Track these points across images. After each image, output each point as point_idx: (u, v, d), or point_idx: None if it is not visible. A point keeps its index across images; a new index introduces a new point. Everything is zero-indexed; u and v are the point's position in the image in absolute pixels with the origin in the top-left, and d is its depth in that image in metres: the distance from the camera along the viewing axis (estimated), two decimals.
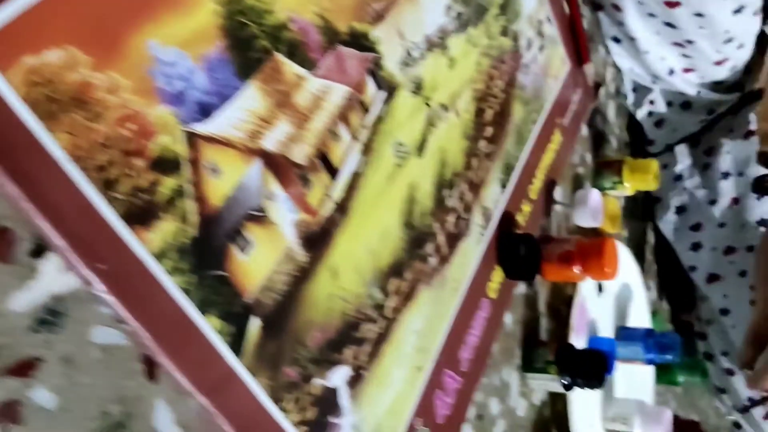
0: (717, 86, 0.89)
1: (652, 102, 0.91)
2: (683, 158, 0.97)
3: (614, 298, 0.82)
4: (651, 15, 0.78)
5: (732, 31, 0.78)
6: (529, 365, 0.63)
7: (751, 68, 0.89)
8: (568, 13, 0.74)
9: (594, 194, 0.74)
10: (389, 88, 0.47)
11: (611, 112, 0.87)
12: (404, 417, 0.46)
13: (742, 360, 0.73)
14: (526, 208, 0.64)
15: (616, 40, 0.84)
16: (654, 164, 0.78)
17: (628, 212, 0.91)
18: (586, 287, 0.73)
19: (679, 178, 0.97)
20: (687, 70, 0.85)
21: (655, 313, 0.92)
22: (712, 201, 0.95)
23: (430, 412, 0.48)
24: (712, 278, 0.95)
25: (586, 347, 0.64)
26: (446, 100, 0.53)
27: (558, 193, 0.72)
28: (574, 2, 0.74)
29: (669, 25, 0.78)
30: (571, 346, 0.63)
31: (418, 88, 0.50)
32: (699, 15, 0.75)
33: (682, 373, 0.92)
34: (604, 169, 0.79)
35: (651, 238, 0.98)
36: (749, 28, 0.81)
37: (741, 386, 0.98)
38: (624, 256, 0.82)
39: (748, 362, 0.72)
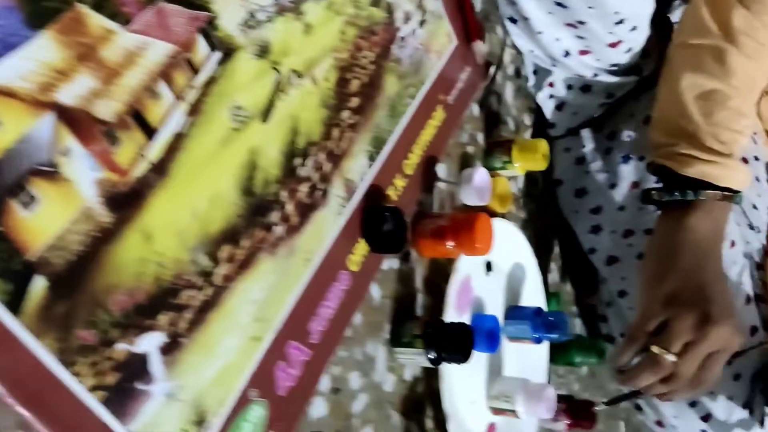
0: (615, 69, 0.89)
1: (551, 84, 0.91)
2: (587, 142, 0.97)
3: (506, 277, 0.82)
4: None
5: (623, 12, 0.78)
6: (397, 340, 0.62)
7: (648, 52, 0.90)
8: None
9: (480, 173, 0.73)
10: (226, 49, 0.46)
11: (509, 93, 0.87)
12: (235, 387, 0.44)
13: (616, 359, 0.75)
14: (400, 182, 0.63)
15: (513, 20, 0.83)
16: (542, 144, 0.78)
17: (526, 194, 0.91)
18: (470, 265, 0.73)
19: (581, 161, 0.97)
20: (583, 52, 0.85)
21: (554, 295, 0.93)
22: (612, 185, 0.95)
23: (269, 383, 0.47)
24: (611, 260, 0.96)
25: (453, 322, 0.63)
26: (300, 67, 0.52)
27: (442, 171, 0.71)
28: None
29: (560, 5, 0.78)
30: (439, 321, 0.63)
31: (263, 51, 0.49)
32: None
33: (579, 354, 0.93)
34: (495, 149, 0.79)
35: (552, 220, 0.98)
36: (641, 10, 0.81)
37: None
38: (515, 236, 0.82)
39: (621, 363, 0.75)
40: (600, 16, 0.79)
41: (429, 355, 0.61)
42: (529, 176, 0.90)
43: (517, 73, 0.89)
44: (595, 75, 0.89)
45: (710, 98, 0.75)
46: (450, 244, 0.64)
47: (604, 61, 0.87)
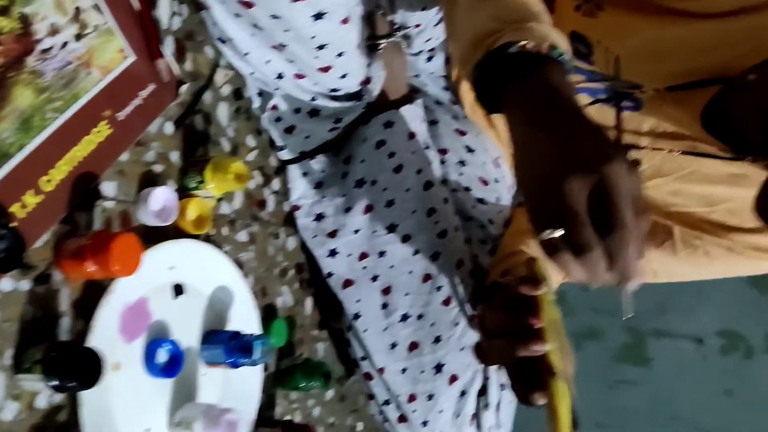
0: (336, 94, 0.90)
1: (275, 107, 0.91)
2: (325, 166, 0.97)
3: (206, 300, 0.80)
4: (237, 15, 0.78)
5: (320, 37, 0.79)
6: (19, 366, 0.59)
7: (370, 80, 0.91)
8: (137, 7, 0.72)
9: (161, 192, 0.71)
10: None
11: (223, 113, 0.86)
12: None
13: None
14: (32, 199, 0.60)
15: (222, 40, 0.83)
16: (235, 165, 0.77)
17: (250, 215, 0.90)
18: (149, 287, 0.71)
19: (319, 185, 0.97)
20: (299, 76, 0.86)
21: (278, 319, 0.91)
22: (348, 209, 0.96)
23: None
24: (347, 284, 0.96)
25: (81, 346, 0.61)
26: None
27: (110, 189, 0.69)
28: (145, 9, 0.72)
29: (256, 26, 0.78)
30: (63, 345, 0.60)
31: None
32: (275, 17, 0.75)
33: (303, 378, 0.92)
34: (190, 169, 0.78)
35: (291, 243, 0.98)
36: (343, 36, 0.82)
37: (380, 390, 0.99)
38: (216, 258, 0.80)
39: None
40: (298, 40, 0.79)
41: (50, 382, 0.58)
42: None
43: (237, 94, 0.89)
44: (314, 99, 0.89)
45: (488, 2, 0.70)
46: (91, 265, 0.62)
47: (322, 85, 0.88)
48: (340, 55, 0.83)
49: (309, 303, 1.02)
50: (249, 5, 0.75)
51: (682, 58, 0.76)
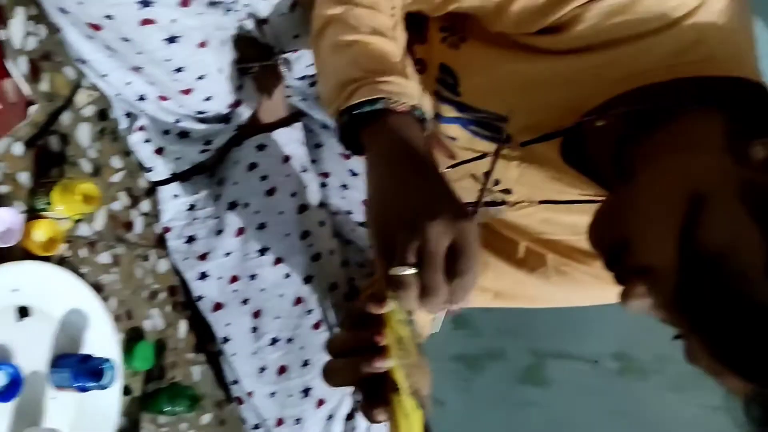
0: (203, 117, 0.90)
1: (142, 128, 0.91)
2: (199, 188, 0.97)
3: (56, 323, 0.79)
4: (89, 37, 0.78)
5: (176, 60, 0.79)
6: None
7: (240, 102, 0.92)
8: None
9: (1, 213, 0.71)
10: None
11: (84, 134, 0.85)
12: None
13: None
14: None
15: (82, 61, 0.82)
16: (85, 186, 0.77)
17: (113, 237, 0.89)
18: None
19: (192, 207, 0.97)
20: (162, 98, 0.86)
21: (143, 342, 0.91)
22: (219, 231, 0.96)
23: None
24: (217, 307, 0.96)
25: None
26: None
27: None
28: None
29: (110, 48, 0.78)
30: None
31: None
32: (126, 40, 0.76)
33: (168, 402, 0.91)
34: (39, 190, 0.77)
35: (162, 266, 0.97)
36: (202, 59, 0.82)
37: (250, 414, 0.99)
38: (68, 280, 0.80)
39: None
40: (153, 63, 0.79)
41: None
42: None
43: (103, 115, 0.88)
44: (178, 121, 0.89)
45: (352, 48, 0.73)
46: None
47: (187, 107, 0.88)
48: (200, 77, 0.84)
49: (183, 326, 1.01)
50: (97, 28, 0.75)
51: (535, 92, 0.79)
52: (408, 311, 0.69)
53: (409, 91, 0.70)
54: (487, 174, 0.78)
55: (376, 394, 0.65)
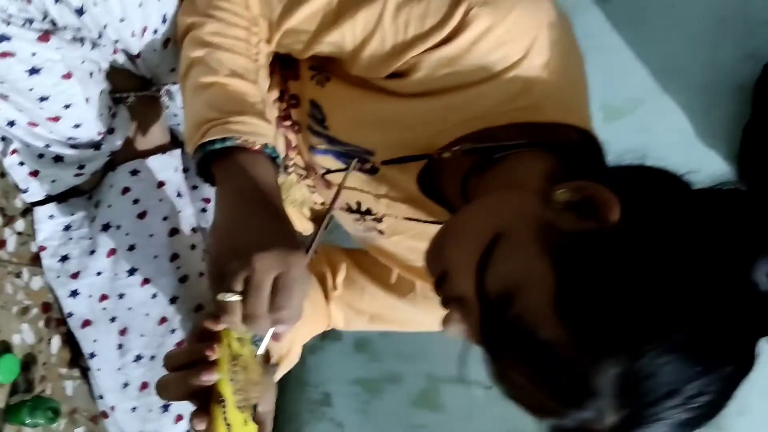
0: (74, 143, 0.95)
1: (15, 151, 0.95)
2: (76, 210, 1.02)
3: None
4: None
5: (39, 90, 0.84)
6: None
7: (114, 129, 0.98)
8: None
9: None
10: None
11: None
12: None
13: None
14: None
15: None
16: None
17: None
18: None
19: (68, 228, 1.02)
20: (32, 124, 0.91)
21: (8, 355, 0.95)
22: (92, 251, 1.00)
23: None
24: (86, 323, 1.01)
25: None
26: None
27: None
28: None
29: None
30: None
31: None
32: None
33: (29, 414, 0.95)
34: None
35: (36, 283, 1.01)
36: (67, 89, 0.86)
37: (114, 428, 1.03)
38: None
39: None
40: (16, 91, 0.84)
41: None
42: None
43: None
44: (48, 146, 0.94)
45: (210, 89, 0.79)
46: None
47: (57, 133, 0.93)
48: (67, 106, 0.89)
49: (57, 341, 1.05)
50: None
51: (392, 130, 0.86)
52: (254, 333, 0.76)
53: (261, 130, 0.76)
54: (332, 201, 0.84)
55: (205, 406, 0.70)
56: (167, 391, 0.72)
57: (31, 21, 0.78)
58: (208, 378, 0.68)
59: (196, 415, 0.69)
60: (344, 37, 0.81)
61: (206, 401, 0.70)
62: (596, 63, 1.09)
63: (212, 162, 0.75)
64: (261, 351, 0.76)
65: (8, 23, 0.76)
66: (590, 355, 0.62)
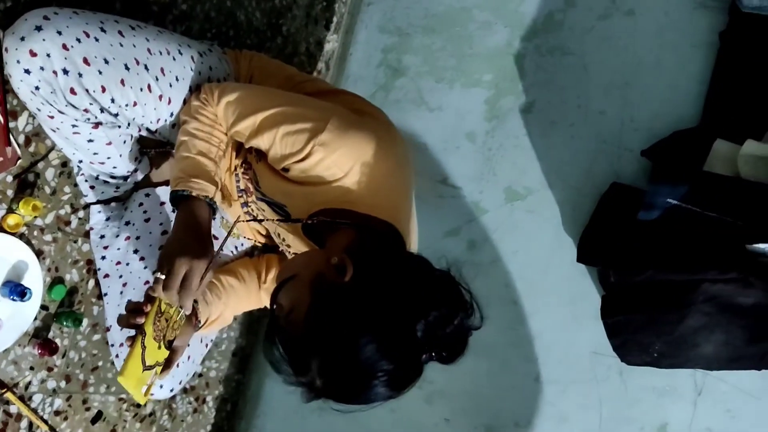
0: (113, 174, 1.69)
1: (82, 174, 1.71)
2: (113, 210, 1.77)
3: (10, 265, 1.60)
4: (53, 130, 1.57)
5: (93, 148, 1.57)
6: None
7: (137, 169, 1.70)
8: (2, 122, 1.52)
9: None
10: None
11: (50, 174, 1.65)
12: None
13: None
14: None
15: (53, 143, 1.62)
16: (35, 201, 1.56)
17: (56, 228, 1.69)
18: None
19: (107, 219, 1.77)
20: (91, 163, 1.65)
21: (59, 285, 1.71)
22: (117, 235, 1.75)
23: None
24: (105, 276, 1.75)
25: None
26: None
27: None
28: (5, 126, 1.52)
29: (67, 139, 1.58)
30: None
31: None
32: (67, 139, 1.55)
33: (64, 318, 1.71)
34: (15, 199, 1.57)
35: (85, 247, 1.77)
36: (109, 150, 1.58)
37: (110, 339, 1.77)
38: (21, 247, 1.60)
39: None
40: (82, 150, 1.58)
41: None
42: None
43: (65, 164, 1.69)
44: (98, 176, 1.68)
45: (186, 160, 1.51)
46: None
47: (104, 170, 1.66)
48: (108, 158, 1.62)
49: (92, 282, 1.81)
50: (54, 130, 1.54)
51: (290, 198, 1.53)
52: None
53: (207, 189, 1.47)
54: (230, 230, 1.55)
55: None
56: (121, 321, 1.43)
57: (88, 119, 1.51)
58: (136, 320, 1.39)
59: (128, 338, 1.40)
60: (259, 144, 1.49)
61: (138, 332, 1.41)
62: (507, 157, 1.77)
63: (178, 200, 1.46)
64: (186, 311, 1.45)
65: (77, 120, 1.50)
66: (308, 349, 1.27)
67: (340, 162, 1.41)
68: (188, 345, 1.59)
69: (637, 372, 1.98)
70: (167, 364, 1.45)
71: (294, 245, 1.63)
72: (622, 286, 1.88)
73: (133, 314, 1.39)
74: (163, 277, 1.35)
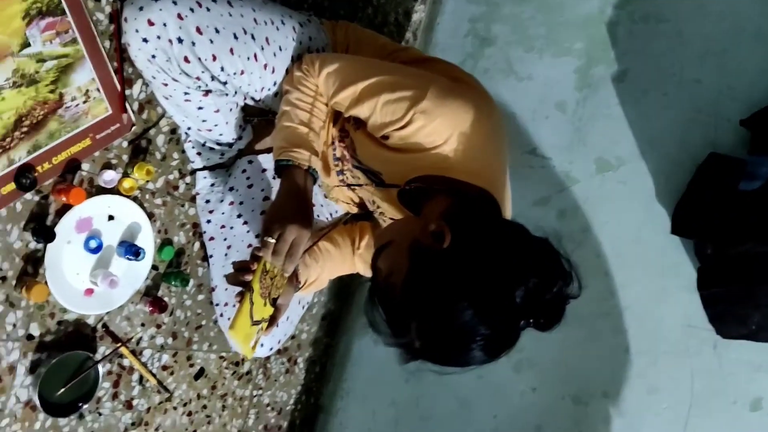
0: (219, 141, 1.76)
1: (190, 141, 1.78)
2: (217, 175, 1.84)
3: (125, 226, 1.69)
4: (165, 99, 1.65)
5: (202, 116, 1.64)
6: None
7: (242, 137, 1.77)
8: (119, 89, 1.61)
9: (110, 173, 1.61)
10: None
11: (161, 140, 1.74)
12: None
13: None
14: (47, 165, 1.51)
15: (164, 110, 1.70)
16: (148, 167, 1.65)
17: (166, 192, 1.78)
18: (95, 213, 1.61)
19: (212, 185, 1.84)
20: (199, 130, 1.72)
21: (169, 247, 1.80)
22: (222, 200, 1.83)
23: None
24: (211, 239, 1.84)
25: (50, 227, 1.50)
26: None
27: (86, 166, 1.59)
28: (122, 93, 1.61)
29: (178, 106, 1.65)
30: (46, 226, 1.51)
31: None
32: (179, 106, 1.62)
33: (173, 278, 1.80)
34: (128, 164, 1.66)
35: (191, 211, 1.86)
36: (216, 118, 1.66)
37: (215, 298, 1.86)
38: (135, 209, 1.69)
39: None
40: (191, 117, 1.65)
41: (34, 237, 1.49)
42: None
43: (173, 131, 1.77)
44: (205, 143, 1.76)
45: (288, 129, 1.57)
46: (64, 197, 1.52)
47: (211, 137, 1.73)
48: (216, 125, 1.69)
49: (197, 245, 1.89)
50: (166, 98, 1.61)
51: (388, 165, 1.57)
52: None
53: (308, 158, 1.52)
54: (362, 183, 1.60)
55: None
56: (230, 278, 1.50)
57: (199, 87, 1.58)
58: (244, 277, 1.45)
59: (238, 294, 1.47)
60: (359, 113, 1.53)
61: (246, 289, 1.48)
62: (598, 126, 1.76)
63: (282, 169, 1.52)
64: (287, 273, 1.51)
65: (189, 87, 1.57)
66: (407, 312, 1.31)
67: (440, 129, 1.43)
68: (288, 305, 1.66)
69: (731, 346, 1.95)
70: (272, 320, 1.52)
71: (388, 212, 1.67)
72: (719, 258, 1.85)
73: (241, 272, 1.46)
74: (272, 241, 1.41)
